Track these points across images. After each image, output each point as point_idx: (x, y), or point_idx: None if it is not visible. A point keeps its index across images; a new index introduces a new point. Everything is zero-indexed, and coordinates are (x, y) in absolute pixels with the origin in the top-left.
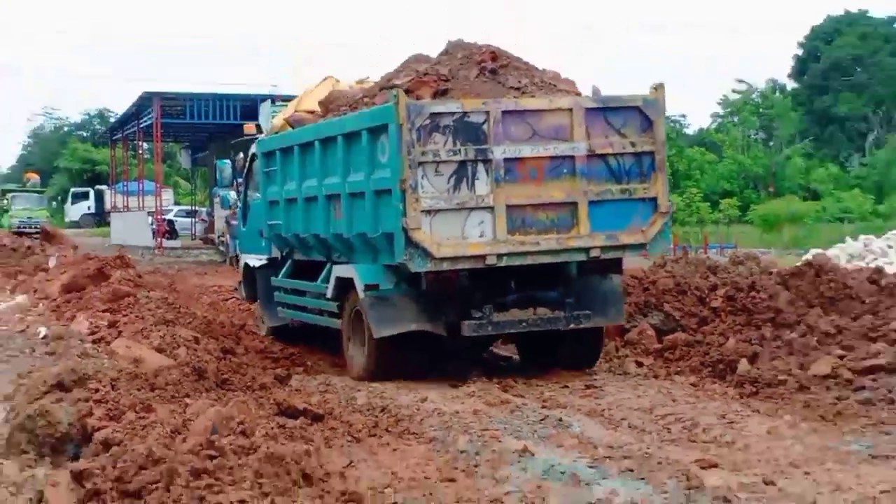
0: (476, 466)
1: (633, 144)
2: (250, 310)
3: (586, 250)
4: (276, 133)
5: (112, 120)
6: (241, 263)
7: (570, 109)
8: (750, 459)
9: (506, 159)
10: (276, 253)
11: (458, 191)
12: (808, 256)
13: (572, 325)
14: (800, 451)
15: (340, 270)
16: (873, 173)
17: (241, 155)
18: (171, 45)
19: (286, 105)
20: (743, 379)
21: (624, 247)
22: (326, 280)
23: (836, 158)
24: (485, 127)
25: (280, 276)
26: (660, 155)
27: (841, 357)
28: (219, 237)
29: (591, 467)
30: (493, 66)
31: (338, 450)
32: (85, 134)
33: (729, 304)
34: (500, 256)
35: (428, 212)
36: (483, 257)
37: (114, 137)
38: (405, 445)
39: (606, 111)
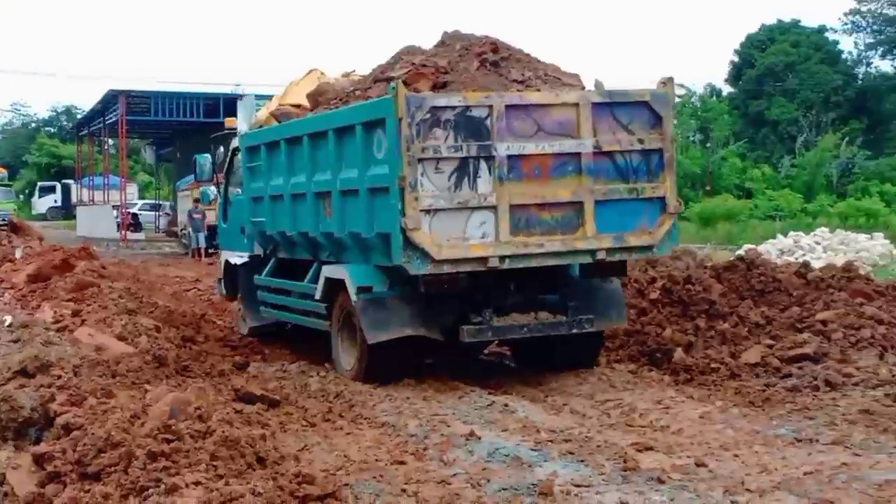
0: (425, 449)
1: (640, 141)
2: (226, 307)
3: (592, 252)
4: (261, 127)
5: (79, 116)
6: (222, 260)
7: (577, 104)
8: (683, 442)
9: (509, 156)
10: (258, 250)
11: (459, 189)
12: (741, 252)
13: (575, 331)
14: (730, 435)
15: (330, 271)
16: (803, 174)
17: (221, 149)
18: (138, 43)
19: (269, 99)
20: (678, 367)
21: (631, 249)
22: (315, 280)
23: (768, 159)
24: (487, 122)
25: (263, 274)
26: (668, 152)
27: (770, 346)
28: (181, 230)
29: (533, 450)
30: (494, 57)
31: (293, 434)
32: (52, 130)
33: (666, 297)
34: (502, 259)
35: (428, 211)
36: (485, 259)
37: (80, 133)
38: (357, 430)
39: (613, 106)
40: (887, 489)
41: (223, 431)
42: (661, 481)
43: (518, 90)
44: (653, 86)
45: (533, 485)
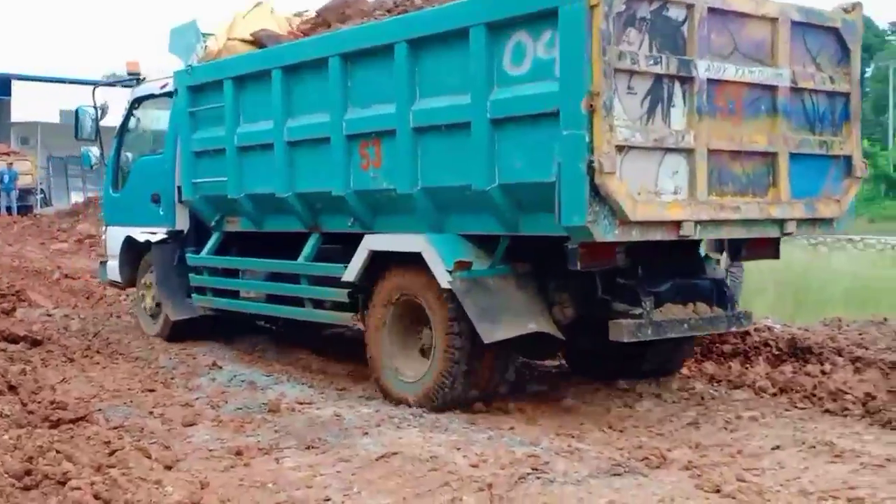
0: (173, 379)
1: (830, 80)
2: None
3: (781, 223)
4: (213, 60)
5: None
6: (108, 239)
7: (776, 20)
8: None
9: (709, 80)
10: (183, 224)
11: (652, 121)
12: None
13: (733, 328)
14: None
15: (384, 242)
16: None
17: (106, 102)
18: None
19: (211, 35)
20: None
21: (815, 221)
22: (313, 255)
23: None
24: (685, 29)
25: (205, 252)
26: (855, 99)
27: None
28: None
29: (266, 377)
30: None
31: (53, 369)
32: None
33: None
34: (697, 225)
35: (621, 148)
36: (678, 225)
37: None
38: (113, 364)
39: (806, 30)
40: None
41: None
42: (369, 399)
43: None
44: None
45: (264, 404)
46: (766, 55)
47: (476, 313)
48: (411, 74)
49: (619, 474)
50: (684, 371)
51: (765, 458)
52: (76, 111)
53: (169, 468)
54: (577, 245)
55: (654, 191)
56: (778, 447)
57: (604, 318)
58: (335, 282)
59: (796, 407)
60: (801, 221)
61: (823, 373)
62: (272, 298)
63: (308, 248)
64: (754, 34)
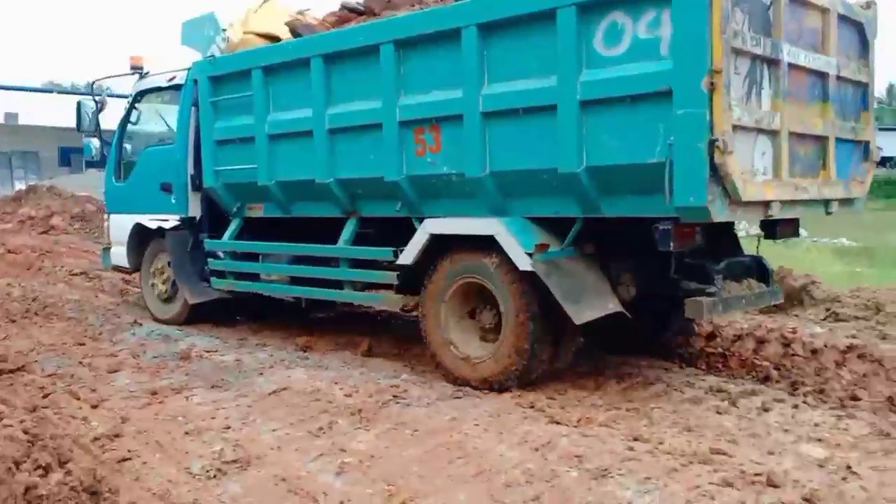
0: (100, 334)
1: (857, 70)
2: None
3: (827, 203)
4: (229, 53)
5: None
6: (111, 227)
7: (827, 10)
8: None
9: (789, 64)
10: (195, 211)
11: (749, 101)
12: None
13: (773, 302)
14: None
15: (442, 225)
16: None
17: (105, 96)
18: None
19: (231, 26)
20: None
21: (845, 201)
22: (352, 239)
23: None
24: (771, 13)
25: (226, 237)
26: (871, 89)
27: None
28: None
29: (179, 331)
30: None
31: None
32: None
33: None
34: (782, 205)
35: (734, 128)
36: (767, 205)
37: None
38: (49, 324)
39: (843, 22)
40: None
41: None
42: (264, 345)
43: None
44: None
45: (176, 353)
46: (819, 44)
47: (562, 294)
48: (480, 59)
49: (459, 397)
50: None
51: (566, 380)
52: (77, 105)
53: (95, 407)
54: (670, 226)
55: (751, 171)
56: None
57: (670, 296)
58: (379, 265)
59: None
60: (842, 201)
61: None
62: (298, 281)
63: (347, 232)
64: (812, 23)
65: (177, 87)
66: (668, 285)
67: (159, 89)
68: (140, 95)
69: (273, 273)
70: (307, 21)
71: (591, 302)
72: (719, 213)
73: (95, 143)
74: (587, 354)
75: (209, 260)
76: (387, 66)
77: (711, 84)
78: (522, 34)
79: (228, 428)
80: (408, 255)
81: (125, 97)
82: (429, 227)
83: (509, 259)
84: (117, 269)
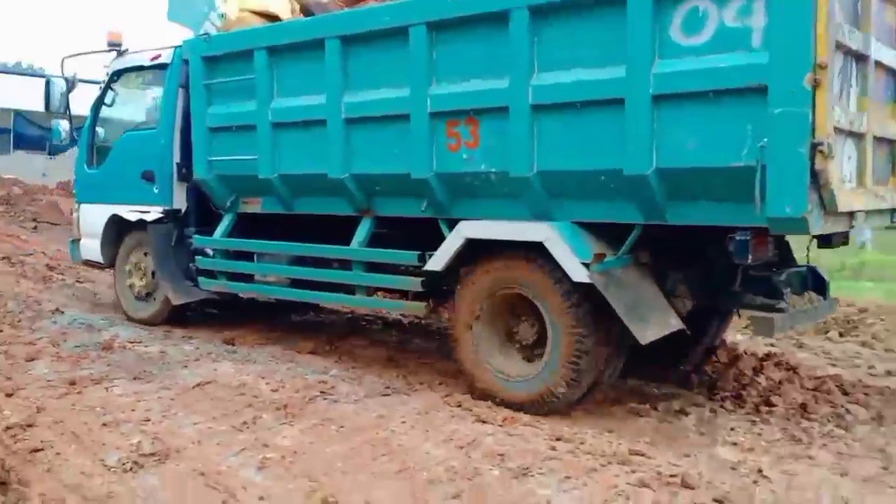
0: (19, 321)
1: None
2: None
3: (892, 212)
4: (227, 32)
5: None
6: (81, 217)
7: None
8: None
9: (876, 62)
10: (180, 203)
11: (841, 102)
12: None
13: (830, 314)
14: None
15: (479, 229)
16: None
17: (75, 74)
18: None
19: (225, 2)
20: None
21: None
22: (367, 240)
23: None
24: (860, 4)
25: (218, 234)
26: None
27: None
28: None
29: (102, 320)
30: None
31: None
32: None
33: None
34: (866, 216)
35: (836, 131)
36: (851, 216)
37: None
38: None
39: None
40: None
41: None
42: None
43: None
44: None
45: (98, 343)
46: (893, 40)
47: (624, 311)
48: (531, 45)
49: (388, 395)
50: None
51: None
52: (46, 82)
53: (10, 395)
54: (748, 237)
55: (841, 178)
56: None
57: (728, 310)
58: (398, 268)
59: None
60: None
61: None
62: (299, 283)
63: (362, 233)
64: (889, 18)
65: (161, 67)
66: (729, 299)
67: (141, 68)
68: (117, 75)
69: (271, 274)
70: (319, 1)
71: (654, 319)
72: (815, 226)
73: (65, 125)
74: None
75: (198, 258)
76: (417, 50)
77: (815, 81)
78: (582, 18)
79: (148, 420)
80: (438, 261)
81: (96, 83)
82: (465, 231)
83: (560, 268)
84: (88, 263)
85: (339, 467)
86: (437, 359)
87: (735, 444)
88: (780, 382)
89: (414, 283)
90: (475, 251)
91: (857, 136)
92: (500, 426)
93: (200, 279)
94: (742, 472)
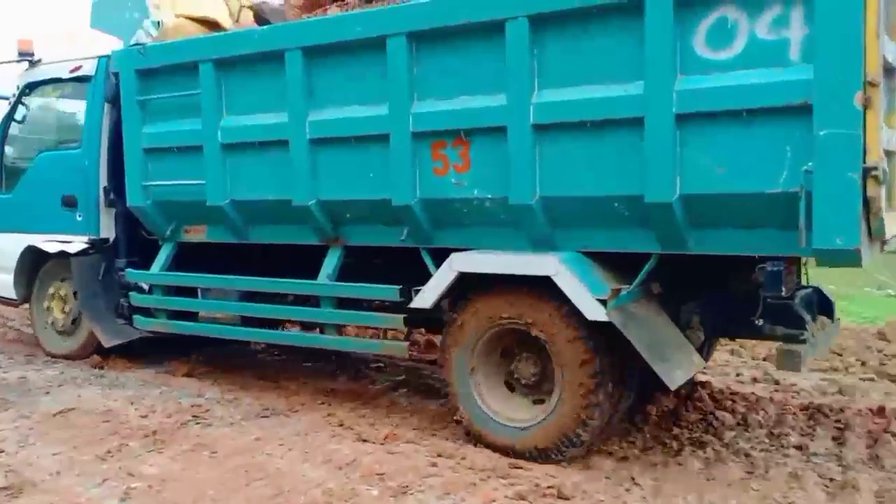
0: None
1: None
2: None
3: None
4: (165, 42)
5: None
6: None
7: None
8: None
9: None
10: (107, 232)
11: (887, 120)
12: None
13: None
14: None
15: (474, 262)
16: None
17: None
18: None
19: (157, 8)
20: None
21: None
22: (336, 273)
23: None
24: (891, 10)
25: (157, 268)
26: None
27: None
28: None
29: None
30: None
31: None
32: None
33: None
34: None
35: (888, 154)
36: (884, 242)
37: None
38: None
39: None
40: None
41: None
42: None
43: None
44: None
45: None
46: None
47: (647, 351)
48: (531, 59)
49: (267, 416)
50: None
51: (383, 398)
52: None
53: None
54: (781, 267)
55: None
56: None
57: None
58: (375, 305)
59: None
60: None
61: None
62: (251, 321)
63: (330, 264)
64: None
65: (83, 80)
66: (747, 330)
67: (58, 81)
68: (29, 88)
69: (219, 312)
70: (274, 5)
71: (678, 358)
72: (867, 258)
73: None
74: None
75: (132, 294)
76: (396, 64)
77: (867, 99)
78: (592, 30)
79: (2, 452)
80: (426, 298)
81: (4, 98)
82: (457, 264)
83: (570, 304)
84: (0, 301)
85: (210, 495)
86: (319, 377)
87: (610, 453)
88: (652, 391)
89: (395, 322)
90: (466, 285)
91: (890, 156)
92: (381, 444)
93: (136, 318)
94: (615, 480)
